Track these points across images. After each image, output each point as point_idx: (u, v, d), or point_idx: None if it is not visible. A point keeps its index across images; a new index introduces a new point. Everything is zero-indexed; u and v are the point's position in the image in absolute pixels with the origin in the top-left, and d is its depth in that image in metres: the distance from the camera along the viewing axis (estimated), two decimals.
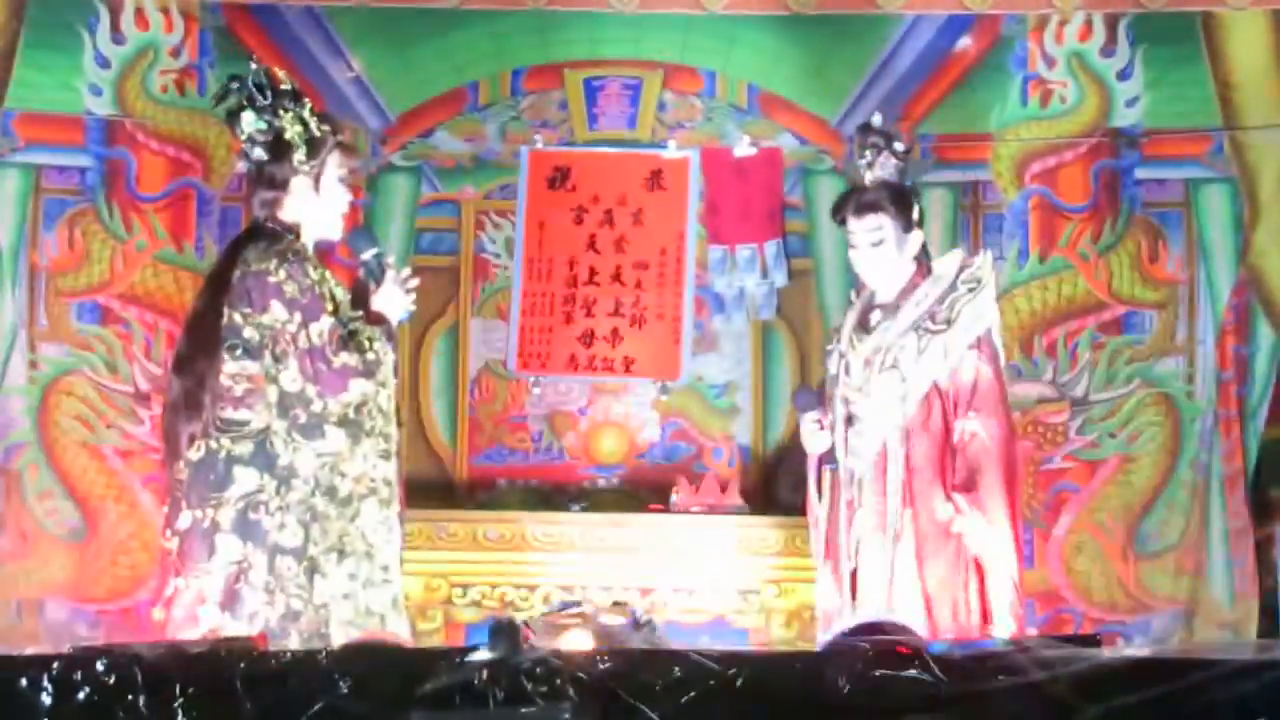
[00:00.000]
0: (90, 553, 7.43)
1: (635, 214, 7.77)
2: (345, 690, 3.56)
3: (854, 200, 5.64)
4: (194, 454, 5.08)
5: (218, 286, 5.21)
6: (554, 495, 7.58)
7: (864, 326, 5.63)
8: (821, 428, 5.60)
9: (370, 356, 5.16)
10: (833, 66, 7.77)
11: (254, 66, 5.38)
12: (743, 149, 7.74)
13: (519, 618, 5.13)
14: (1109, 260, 7.70)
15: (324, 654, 3.68)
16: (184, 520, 5.07)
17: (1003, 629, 5.35)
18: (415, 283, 5.39)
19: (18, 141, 7.56)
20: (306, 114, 5.32)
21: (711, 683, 3.59)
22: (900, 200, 5.63)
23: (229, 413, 5.09)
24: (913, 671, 3.59)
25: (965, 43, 7.73)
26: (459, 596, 7.21)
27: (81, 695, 3.56)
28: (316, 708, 3.52)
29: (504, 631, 3.65)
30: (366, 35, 7.73)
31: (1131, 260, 7.71)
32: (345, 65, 7.69)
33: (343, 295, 5.29)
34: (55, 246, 7.57)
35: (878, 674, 3.61)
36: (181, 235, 7.63)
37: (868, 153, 5.69)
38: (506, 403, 7.82)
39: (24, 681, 3.57)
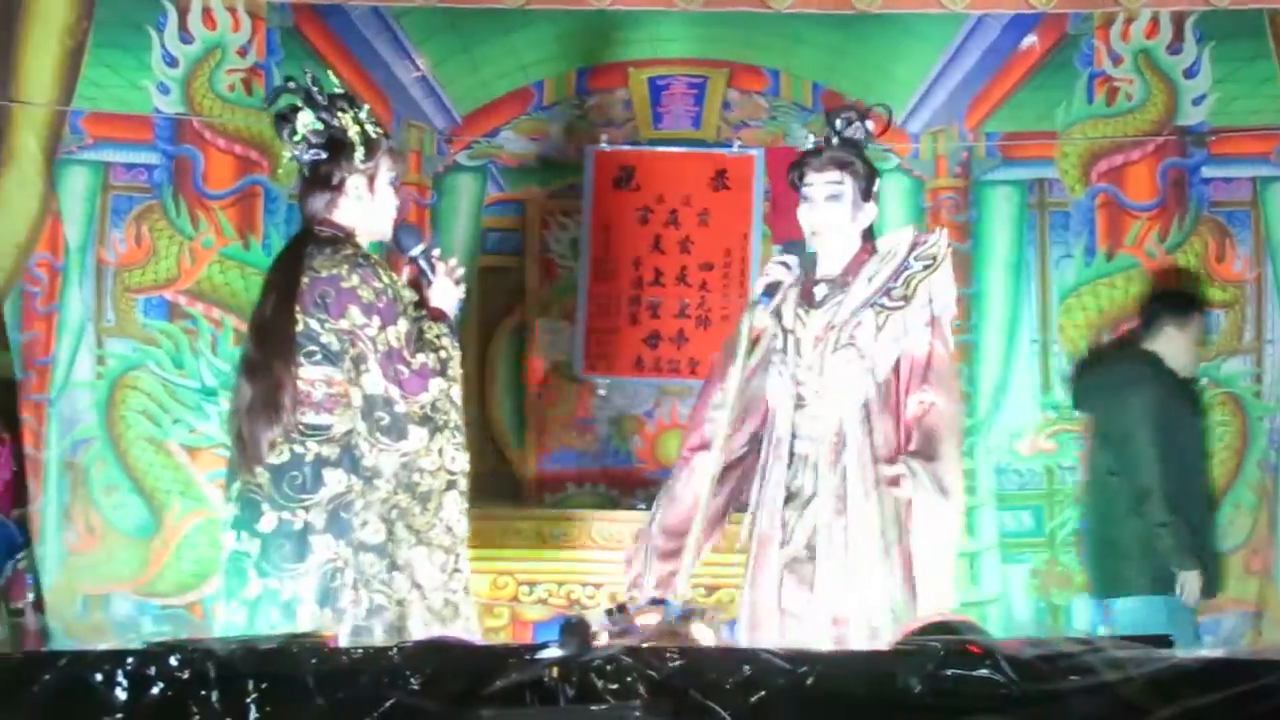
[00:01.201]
0: (156, 547, 7.48)
1: (700, 214, 7.74)
2: (416, 687, 3.56)
3: (819, 155, 5.61)
4: (276, 458, 5.16)
5: (285, 292, 5.25)
6: (621, 500, 7.57)
7: (809, 300, 5.55)
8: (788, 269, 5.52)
9: (442, 354, 5.23)
10: (897, 65, 7.75)
11: (308, 72, 5.47)
12: (806, 148, 7.55)
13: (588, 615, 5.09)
14: (1176, 259, 7.67)
15: (395, 650, 3.67)
16: (267, 522, 5.15)
17: (945, 602, 5.35)
18: (462, 271, 5.45)
19: (86, 139, 7.59)
20: (363, 115, 5.38)
21: (782, 681, 3.58)
22: (866, 166, 5.64)
23: (310, 417, 5.18)
24: (984, 671, 3.57)
25: (1031, 40, 7.70)
26: (525, 594, 7.23)
27: (155, 691, 3.57)
28: (387, 705, 3.52)
29: (575, 629, 3.65)
30: (432, 35, 7.73)
31: (1199, 259, 7.67)
32: (411, 65, 7.71)
33: (410, 296, 5.34)
34: (123, 243, 7.60)
35: (948, 673, 3.60)
36: (248, 232, 7.66)
37: (838, 121, 5.67)
38: (573, 405, 7.80)
39: (99, 677, 3.59)
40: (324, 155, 5.34)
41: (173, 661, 3.57)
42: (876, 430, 5.42)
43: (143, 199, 7.64)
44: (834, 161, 5.55)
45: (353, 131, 5.32)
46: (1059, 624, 7.49)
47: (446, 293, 5.42)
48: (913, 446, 5.39)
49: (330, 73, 5.68)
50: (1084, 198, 7.72)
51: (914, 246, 5.58)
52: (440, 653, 3.75)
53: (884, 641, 5.13)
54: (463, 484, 5.30)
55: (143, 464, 7.53)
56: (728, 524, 6.34)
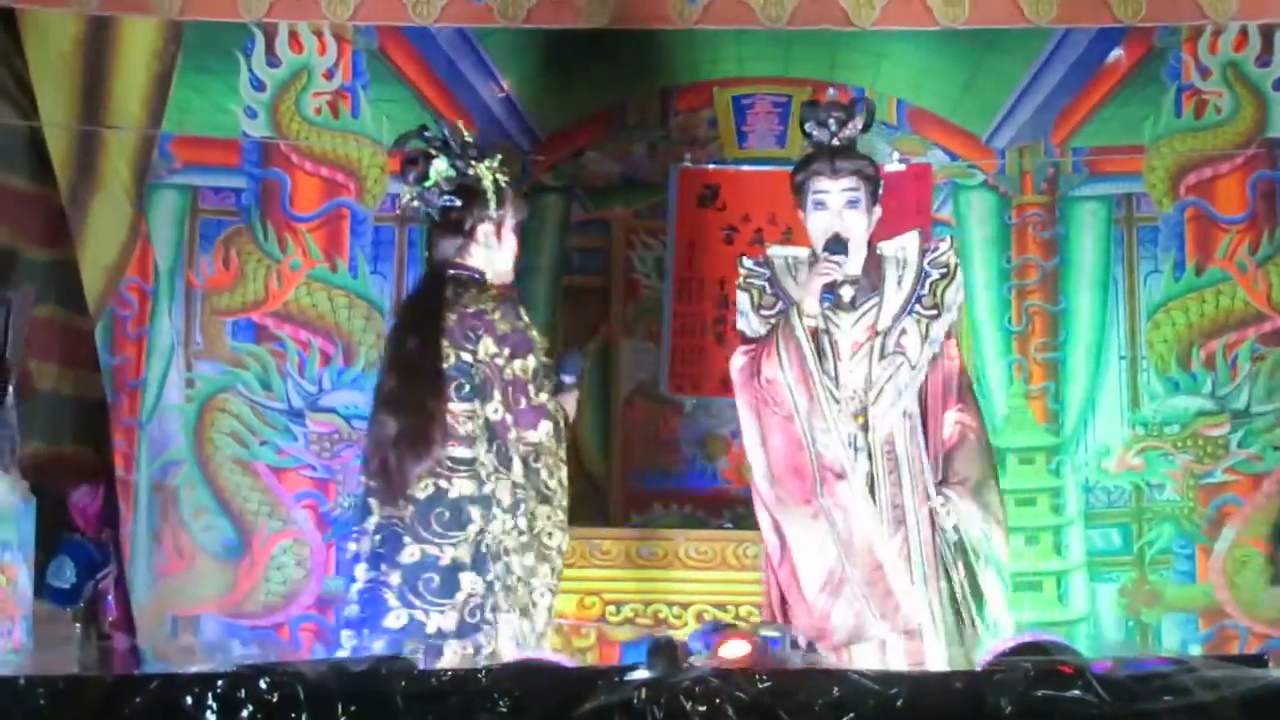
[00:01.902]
0: (245, 569, 7.52)
1: (785, 232, 7.57)
2: (505, 709, 3.59)
3: (833, 159, 5.66)
4: (421, 491, 5.31)
5: (430, 328, 5.44)
6: (708, 520, 7.54)
7: (837, 302, 5.59)
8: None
9: (560, 416, 5.46)
10: (982, 81, 7.72)
11: (443, 122, 5.77)
12: (892, 165, 7.55)
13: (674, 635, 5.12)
14: (1268, 271, 7.60)
15: (483, 673, 3.70)
16: (409, 554, 5.28)
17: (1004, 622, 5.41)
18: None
19: (175, 163, 7.65)
20: (495, 164, 5.57)
21: (871, 702, 3.59)
22: (876, 172, 5.73)
23: (455, 451, 5.33)
24: (1076, 692, 3.55)
25: (1117, 54, 7.65)
26: (612, 614, 7.16)
27: (245, 713, 3.60)
28: None
29: (663, 650, 3.64)
30: (516, 56, 7.75)
31: None
32: (495, 86, 7.72)
33: (543, 343, 5.50)
34: (211, 266, 7.64)
35: (1040, 694, 3.57)
36: (335, 254, 7.69)
37: (832, 121, 5.71)
38: (658, 424, 7.78)
39: (189, 699, 3.61)
40: (457, 202, 5.54)
41: (262, 684, 3.60)
42: (920, 444, 5.52)
43: (231, 222, 7.68)
44: (852, 170, 5.63)
45: (487, 181, 5.53)
46: (1148, 643, 7.43)
47: (569, 403, 5.61)
48: (954, 476, 5.52)
49: (461, 124, 5.81)
50: (1172, 211, 7.67)
51: (924, 253, 5.68)
52: (529, 675, 3.79)
53: (946, 656, 5.27)
54: (556, 561, 5.46)
55: (231, 485, 7.56)
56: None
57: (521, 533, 5.33)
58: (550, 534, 5.40)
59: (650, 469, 7.76)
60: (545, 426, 5.35)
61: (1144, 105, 7.68)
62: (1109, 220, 7.71)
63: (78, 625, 7.22)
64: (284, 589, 7.52)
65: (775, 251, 5.89)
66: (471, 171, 5.56)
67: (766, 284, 5.75)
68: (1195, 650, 7.13)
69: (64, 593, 7.21)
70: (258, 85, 7.70)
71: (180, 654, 7.20)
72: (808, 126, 5.80)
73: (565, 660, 4.66)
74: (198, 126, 7.68)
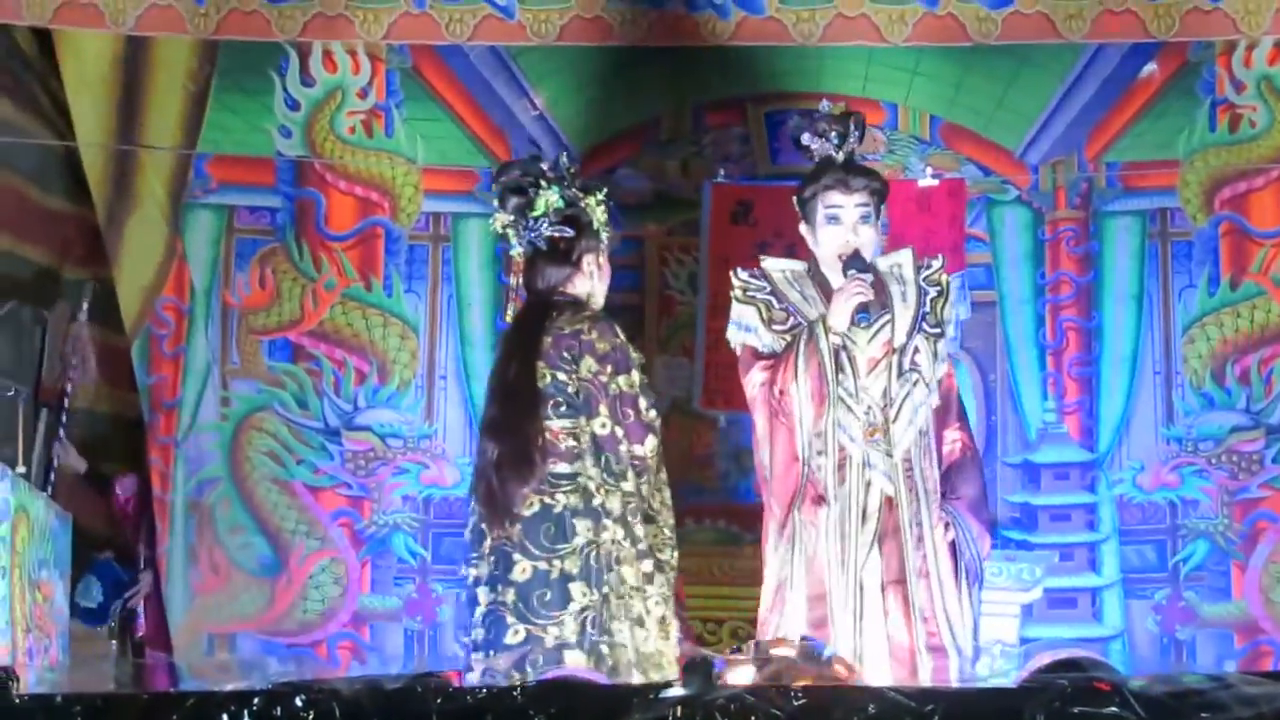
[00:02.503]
0: (281, 587, 7.56)
1: None
2: None
3: (848, 176, 5.70)
4: (527, 510, 5.44)
5: (529, 352, 5.58)
6: (743, 536, 7.48)
7: (869, 322, 5.61)
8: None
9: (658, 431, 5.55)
10: (1015, 96, 7.70)
11: (555, 153, 5.97)
12: (926, 181, 7.60)
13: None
14: None
15: (519, 690, 3.68)
16: (521, 571, 5.39)
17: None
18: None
19: (211, 183, 7.69)
20: (602, 197, 5.73)
21: (906, 719, 3.55)
22: (885, 186, 5.79)
23: (557, 468, 5.44)
24: (1113, 709, 3.53)
25: (1151, 69, 7.64)
26: None
27: None
28: None
29: (697, 668, 3.64)
30: (549, 74, 7.75)
31: None
32: (529, 103, 7.73)
33: (640, 359, 5.61)
34: (247, 285, 7.68)
35: (1076, 711, 3.55)
36: (370, 273, 7.71)
37: (833, 135, 5.75)
38: (693, 440, 7.75)
39: (225, 717, 3.62)
40: (569, 232, 5.68)
41: (298, 702, 3.60)
42: (934, 462, 5.57)
43: (266, 241, 7.72)
44: (864, 185, 5.67)
45: (597, 214, 5.70)
46: (1183, 660, 7.43)
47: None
48: (954, 493, 5.58)
49: (564, 156, 5.92)
50: (1207, 226, 7.65)
51: (918, 269, 5.74)
52: (564, 692, 3.76)
53: (972, 670, 5.40)
54: (669, 574, 5.56)
55: (267, 504, 7.60)
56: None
57: (636, 543, 5.43)
58: (660, 549, 5.52)
59: (685, 484, 7.40)
60: (651, 442, 5.49)
61: (1178, 119, 7.66)
62: (1143, 235, 7.70)
63: (113, 643, 7.33)
64: (321, 607, 7.56)
65: (771, 265, 5.88)
66: (581, 203, 5.71)
67: (773, 298, 5.75)
68: (1230, 667, 7.09)
69: (91, 612, 7.32)
70: (292, 105, 7.73)
71: (217, 671, 7.22)
72: (805, 139, 5.82)
73: (600, 677, 4.72)
74: (233, 146, 7.71)
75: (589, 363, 5.49)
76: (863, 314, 5.54)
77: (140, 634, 7.50)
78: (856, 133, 5.82)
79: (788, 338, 5.67)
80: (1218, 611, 7.51)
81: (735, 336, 5.80)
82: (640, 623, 5.41)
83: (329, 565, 7.56)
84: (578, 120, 7.78)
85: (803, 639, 5.04)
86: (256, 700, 3.63)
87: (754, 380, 5.70)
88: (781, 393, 5.58)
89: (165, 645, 7.40)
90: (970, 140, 7.79)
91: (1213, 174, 7.66)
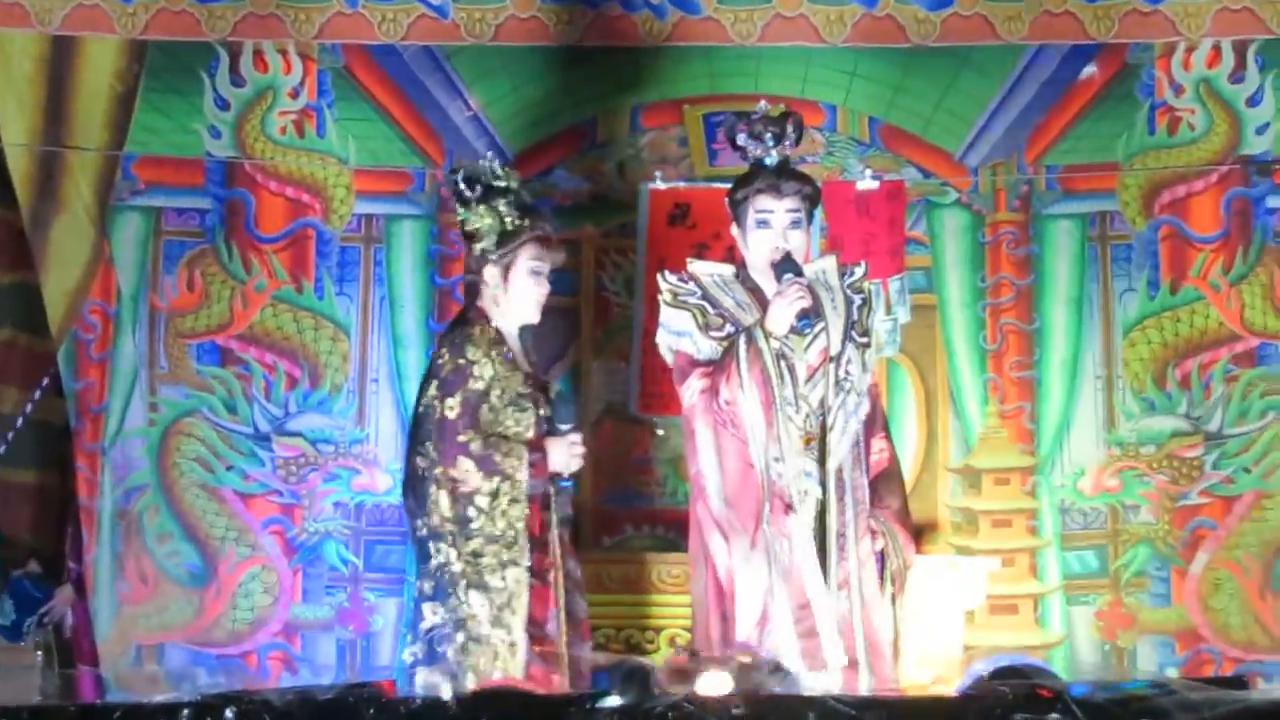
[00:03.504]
0: (210, 596, 7.49)
1: None
2: None
3: (778, 179, 5.68)
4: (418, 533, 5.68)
5: (427, 375, 5.73)
6: (681, 543, 7.39)
7: (805, 315, 5.57)
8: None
9: (497, 463, 5.47)
10: (955, 99, 7.72)
11: (486, 164, 5.89)
12: (865, 183, 7.59)
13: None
14: (1241, 291, 7.62)
15: (453, 700, 3.64)
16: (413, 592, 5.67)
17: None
18: (581, 448, 5.68)
19: (138, 184, 7.65)
20: (502, 206, 5.66)
21: None
22: (816, 192, 5.78)
23: (420, 489, 5.62)
24: (1055, 716, 3.54)
25: (1090, 71, 7.66)
26: None
27: None
28: None
29: (635, 676, 3.62)
30: (484, 75, 7.72)
31: (1264, 290, 7.63)
32: (463, 104, 7.71)
33: (489, 382, 5.56)
34: (175, 288, 7.64)
35: (1019, 718, 3.54)
36: (301, 275, 7.68)
37: (768, 136, 5.74)
38: (629, 446, 7.72)
39: None
40: (470, 245, 5.79)
41: (229, 713, 3.58)
42: (863, 471, 5.59)
43: (195, 244, 7.68)
44: (795, 190, 5.66)
45: (483, 224, 5.66)
46: (1125, 667, 7.45)
47: (559, 454, 5.62)
48: (880, 502, 5.63)
49: (504, 165, 5.94)
50: (1146, 230, 7.68)
51: (842, 276, 5.76)
52: (498, 701, 3.79)
53: (894, 682, 5.47)
54: (502, 598, 5.51)
55: (196, 511, 7.54)
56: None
57: (468, 565, 5.46)
58: (495, 571, 5.47)
59: (621, 490, 7.71)
60: (465, 464, 5.46)
61: (1117, 122, 7.70)
62: (1083, 238, 7.71)
63: (39, 654, 7.30)
64: (251, 617, 7.51)
65: (700, 268, 5.86)
66: (474, 216, 5.72)
67: (706, 303, 5.72)
68: (1172, 674, 7.03)
69: (4, 629, 7.32)
70: (222, 105, 7.71)
71: (145, 683, 7.12)
72: (740, 139, 5.82)
73: (535, 687, 4.71)
74: (162, 147, 7.68)
75: (431, 388, 5.62)
76: (804, 320, 5.52)
77: (67, 645, 7.47)
78: (793, 134, 5.82)
79: (725, 344, 5.65)
80: (1159, 618, 7.52)
81: (666, 342, 5.79)
82: (482, 643, 5.47)
83: (259, 574, 7.51)
84: (513, 121, 7.76)
85: (748, 648, 5.17)
86: (186, 711, 3.61)
87: (692, 388, 5.67)
88: (728, 402, 5.54)
89: (92, 656, 7.37)
90: (910, 143, 7.79)
91: (1152, 177, 7.68)
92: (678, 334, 5.74)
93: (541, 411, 5.68)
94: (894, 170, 7.76)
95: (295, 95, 7.71)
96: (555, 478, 5.65)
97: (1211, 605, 7.47)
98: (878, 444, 5.76)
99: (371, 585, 7.53)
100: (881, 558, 5.64)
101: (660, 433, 7.68)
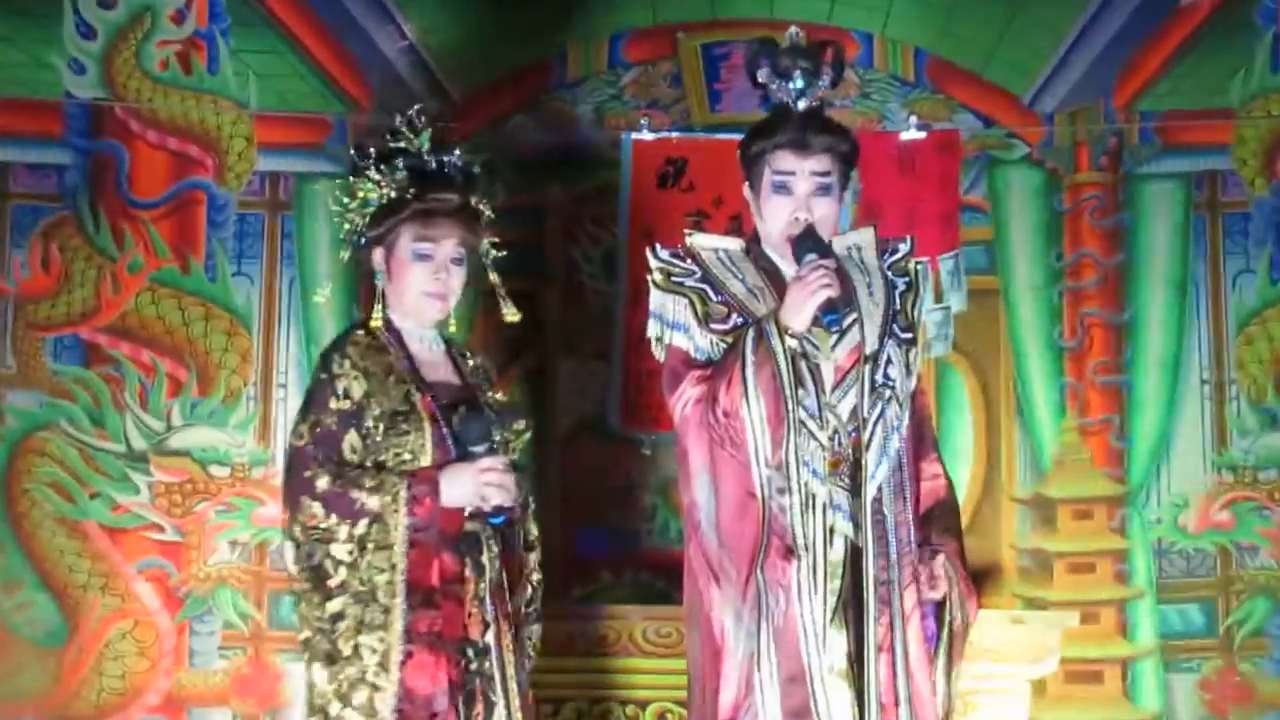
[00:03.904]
0: (69, 658, 7.31)
1: None
2: None
3: (805, 132, 5.30)
4: None
5: None
6: (673, 593, 6.90)
7: (831, 307, 5.18)
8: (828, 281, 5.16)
9: (356, 494, 5.12)
10: (1024, 25, 7.64)
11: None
12: (910, 133, 7.49)
13: None
14: None
15: None
16: None
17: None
18: (499, 479, 5.23)
19: None
20: (392, 172, 5.39)
21: None
22: (853, 149, 5.42)
23: None
24: None
25: None
26: (548, 714, 7.00)
27: None
28: None
29: None
30: None
31: None
32: (396, 32, 7.61)
33: (382, 408, 5.24)
34: (26, 266, 7.48)
35: None
36: (187, 251, 7.51)
37: (798, 75, 5.35)
38: (608, 470, 7.59)
39: None
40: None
41: None
42: (904, 505, 5.22)
43: (52, 210, 7.51)
44: (825, 147, 5.31)
45: (366, 194, 5.38)
46: None
47: (458, 485, 5.21)
48: (940, 538, 5.32)
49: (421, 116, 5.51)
50: (1269, 195, 7.60)
51: (883, 254, 5.50)
52: None
53: None
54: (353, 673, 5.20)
55: (52, 551, 7.35)
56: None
57: (319, 633, 5.16)
58: (349, 638, 5.14)
59: (597, 526, 7.56)
60: (311, 507, 5.12)
61: (1231, 56, 7.62)
62: (1187, 205, 7.63)
63: None
64: (122, 685, 7.33)
65: (700, 242, 5.48)
66: (359, 188, 5.41)
67: (707, 287, 5.35)
68: None
69: None
70: (86, 32, 7.56)
71: None
72: (762, 75, 5.41)
73: None
74: (9, 85, 7.54)
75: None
76: (830, 314, 5.08)
77: None
78: (831, 74, 5.38)
79: (729, 339, 5.25)
80: None
81: (657, 332, 5.37)
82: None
83: (132, 631, 7.32)
84: (460, 53, 7.63)
85: None
86: None
87: (686, 396, 5.25)
88: (727, 415, 5.14)
89: None
90: (966, 82, 7.72)
91: (1275, 127, 7.61)
92: (671, 325, 5.34)
93: (445, 431, 5.34)
94: (946, 117, 7.71)
95: (180, 19, 7.58)
96: (486, 514, 5.26)
97: None
98: (929, 468, 5.37)
99: (279, 646, 7.37)
100: (937, 611, 5.29)
101: (647, 452, 7.55)
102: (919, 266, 5.52)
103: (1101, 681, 7.38)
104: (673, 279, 5.32)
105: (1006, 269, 7.60)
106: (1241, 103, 7.58)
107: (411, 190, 5.37)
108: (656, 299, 5.32)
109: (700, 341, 5.23)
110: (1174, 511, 7.46)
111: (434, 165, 5.43)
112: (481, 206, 5.48)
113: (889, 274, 5.37)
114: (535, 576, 5.39)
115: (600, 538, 7.54)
